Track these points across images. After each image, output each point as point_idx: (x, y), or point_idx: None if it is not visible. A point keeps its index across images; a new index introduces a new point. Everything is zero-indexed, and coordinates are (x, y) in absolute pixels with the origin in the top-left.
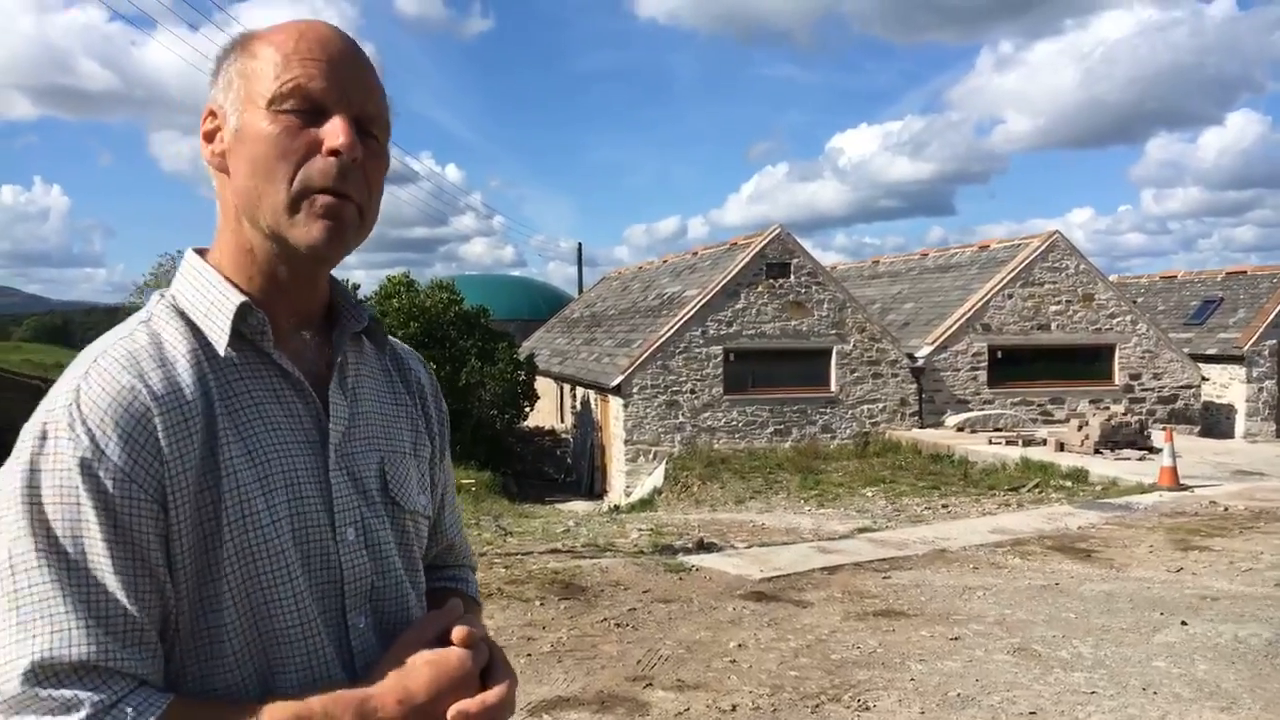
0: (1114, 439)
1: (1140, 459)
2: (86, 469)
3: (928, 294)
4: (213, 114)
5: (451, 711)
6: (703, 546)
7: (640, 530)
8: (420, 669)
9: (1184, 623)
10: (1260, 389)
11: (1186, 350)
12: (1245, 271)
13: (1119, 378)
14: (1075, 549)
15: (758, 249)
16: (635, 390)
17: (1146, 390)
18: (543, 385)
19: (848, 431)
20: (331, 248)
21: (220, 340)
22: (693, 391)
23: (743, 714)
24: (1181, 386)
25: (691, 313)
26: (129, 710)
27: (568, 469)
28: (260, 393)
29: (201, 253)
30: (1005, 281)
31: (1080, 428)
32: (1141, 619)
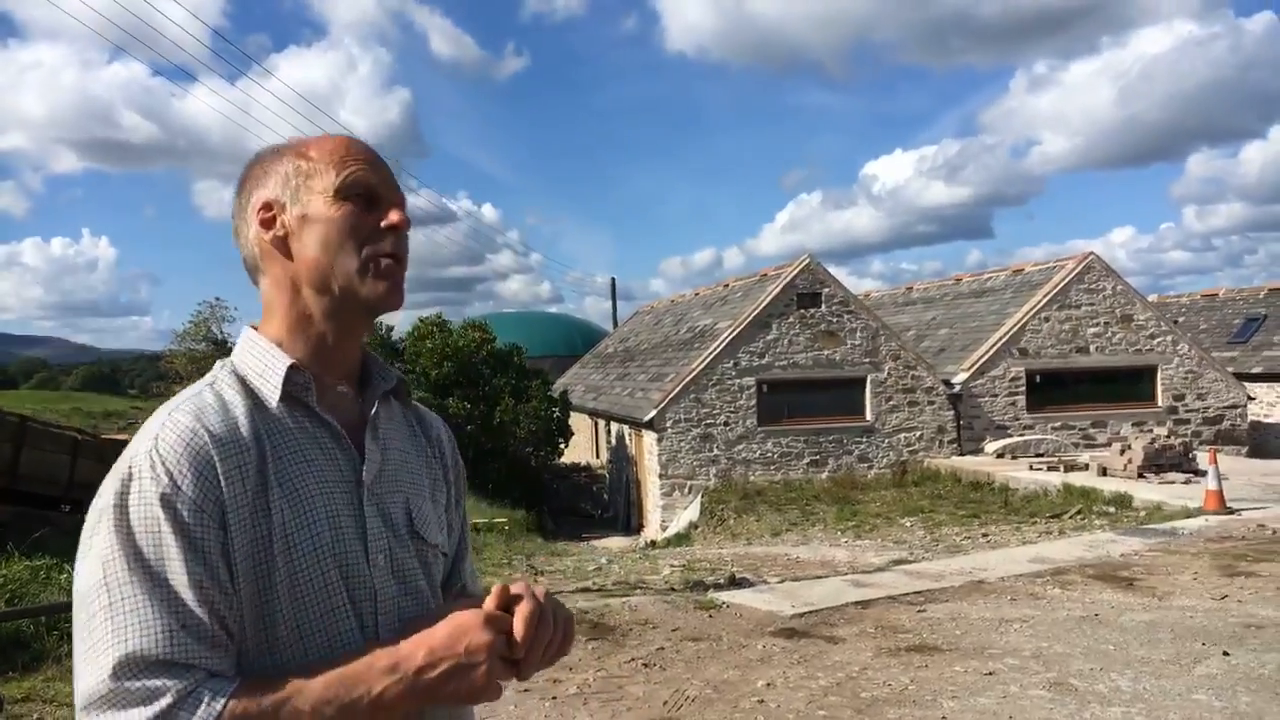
0: (1158, 462)
1: (1185, 482)
2: (166, 502)
3: (962, 319)
4: (268, 205)
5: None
6: (734, 582)
7: (672, 566)
8: (439, 628)
9: (1226, 653)
10: None
11: (1231, 369)
12: None
13: (1162, 399)
14: (1117, 577)
15: (788, 279)
16: (669, 424)
17: (1191, 411)
18: (577, 421)
19: (885, 461)
20: (394, 298)
21: (272, 397)
22: (726, 424)
23: None
24: (1227, 406)
25: (723, 345)
26: (205, 694)
27: (604, 505)
28: (305, 440)
29: (256, 328)
30: (1041, 304)
31: (1123, 451)
32: (1183, 650)
